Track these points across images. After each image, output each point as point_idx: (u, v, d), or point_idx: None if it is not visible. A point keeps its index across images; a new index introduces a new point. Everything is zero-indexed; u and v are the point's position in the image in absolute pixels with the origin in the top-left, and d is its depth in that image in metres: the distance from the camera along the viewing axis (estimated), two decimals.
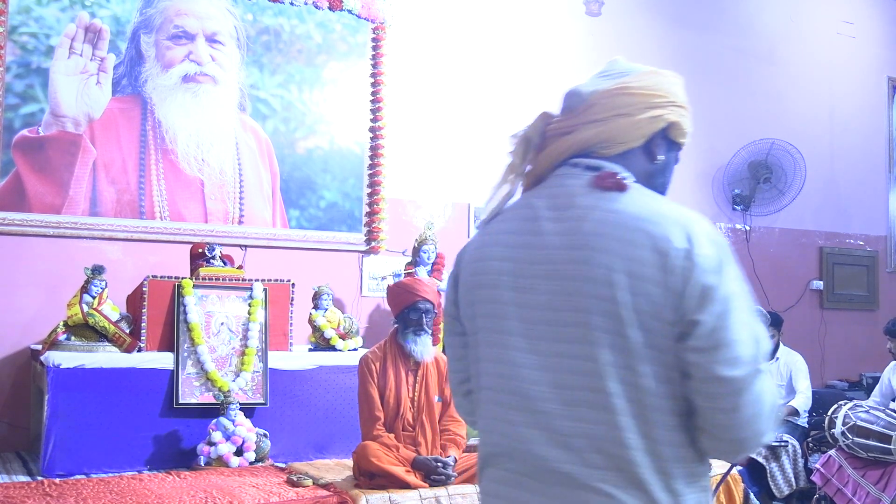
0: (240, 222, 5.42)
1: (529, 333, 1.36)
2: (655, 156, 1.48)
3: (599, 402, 1.30)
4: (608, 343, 1.30)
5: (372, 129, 5.82)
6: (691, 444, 1.33)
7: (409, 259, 5.42)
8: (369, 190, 5.80)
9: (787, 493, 5.30)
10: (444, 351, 1.67)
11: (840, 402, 5.26)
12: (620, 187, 1.37)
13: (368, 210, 5.78)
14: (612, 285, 1.29)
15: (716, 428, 1.31)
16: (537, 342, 1.35)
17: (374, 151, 5.81)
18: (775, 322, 5.99)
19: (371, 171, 5.80)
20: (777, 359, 5.93)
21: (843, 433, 4.99)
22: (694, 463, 1.33)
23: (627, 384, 1.29)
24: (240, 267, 4.94)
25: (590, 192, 1.37)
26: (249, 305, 4.61)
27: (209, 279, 4.61)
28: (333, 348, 4.88)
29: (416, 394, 3.95)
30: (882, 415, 4.96)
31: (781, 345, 6.00)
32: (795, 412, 5.71)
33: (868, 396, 5.98)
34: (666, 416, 1.31)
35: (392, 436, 3.89)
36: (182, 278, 4.54)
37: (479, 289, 1.44)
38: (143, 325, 4.42)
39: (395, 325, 4.09)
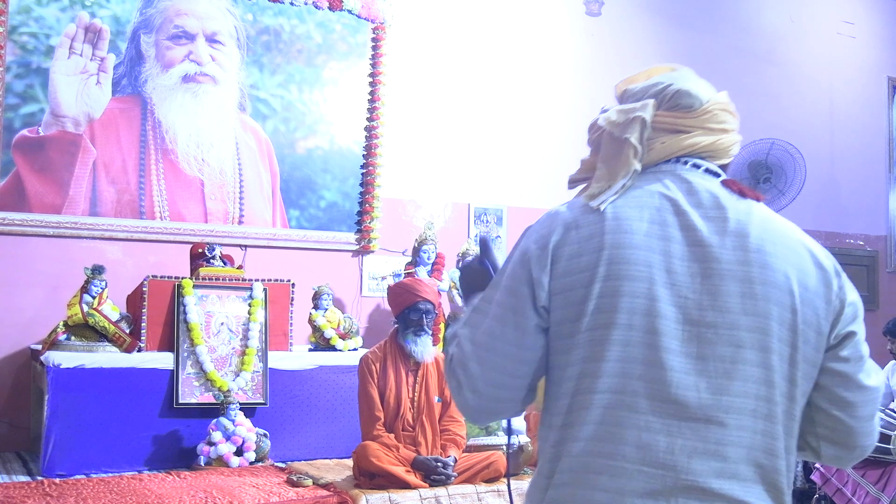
0: (240, 222, 5.42)
1: (683, 335, 1.27)
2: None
3: (763, 410, 1.27)
4: (779, 351, 1.28)
5: (368, 129, 5.82)
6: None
7: (409, 259, 5.42)
8: (363, 189, 5.79)
9: None
10: (470, 346, 1.38)
11: None
12: (759, 197, 1.39)
13: (360, 209, 5.76)
14: (792, 293, 1.29)
15: (847, 436, 1.36)
16: (692, 345, 1.27)
17: (370, 151, 5.81)
18: None
19: (365, 171, 5.80)
20: None
21: None
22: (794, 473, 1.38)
23: (786, 395, 1.29)
24: (240, 267, 4.94)
25: (732, 196, 1.36)
26: (249, 305, 4.62)
27: (209, 279, 4.61)
28: (333, 348, 4.88)
29: (416, 394, 3.95)
30: (881, 415, 4.97)
31: None
32: None
33: None
34: (797, 426, 1.33)
35: (392, 436, 3.89)
36: (182, 278, 4.54)
37: (622, 280, 1.27)
38: (143, 325, 4.43)
39: (396, 326, 4.09)
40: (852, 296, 1.36)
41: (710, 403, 1.25)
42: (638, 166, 1.38)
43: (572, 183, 1.48)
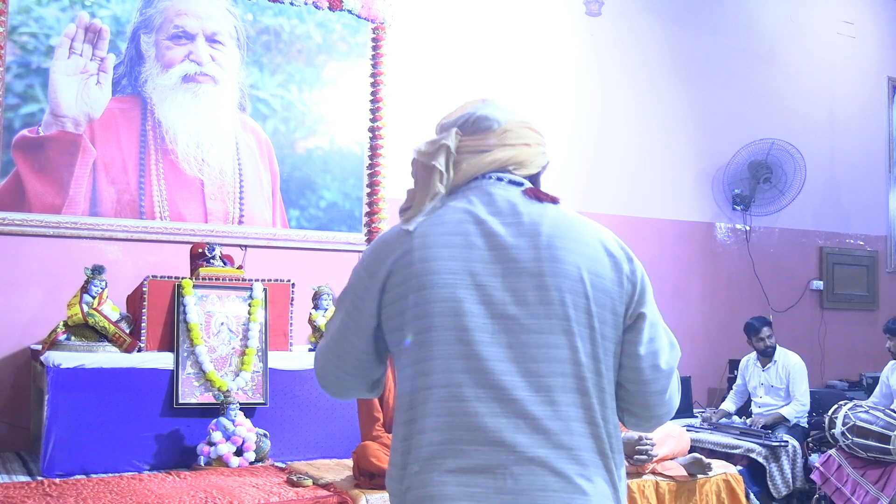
0: (240, 222, 5.42)
1: (492, 328, 1.46)
2: (540, 185, 1.68)
3: (573, 385, 1.46)
4: (579, 333, 1.48)
5: (371, 129, 5.83)
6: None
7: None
8: (369, 190, 5.80)
9: (785, 493, 5.31)
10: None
11: (840, 403, 5.26)
12: (555, 200, 1.60)
13: (368, 210, 5.78)
14: (583, 281, 1.49)
15: (643, 408, 1.58)
16: (501, 335, 1.46)
17: (374, 151, 5.81)
18: (768, 323, 5.99)
19: (371, 171, 5.80)
20: (775, 361, 5.93)
21: (842, 433, 5.00)
22: (621, 440, 1.55)
23: (592, 370, 1.48)
24: (240, 267, 4.94)
25: (529, 202, 1.56)
26: (249, 305, 4.62)
27: (209, 279, 4.61)
28: None
29: None
30: (881, 415, 4.96)
31: (778, 346, 5.99)
32: (784, 419, 5.68)
33: (868, 396, 5.99)
34: (612, 399, 1.52)
35: (392, 436, 3.89)
36: (182, 278, 4.54)
37: (431, 289, 1.48)
38: (143, 325, 4.42)
39: None
40: (644, 279, 1.57)
41: (525, 384, 1.44)
42: (442, 189, 1.57)
43: (401, 213, 1.64)
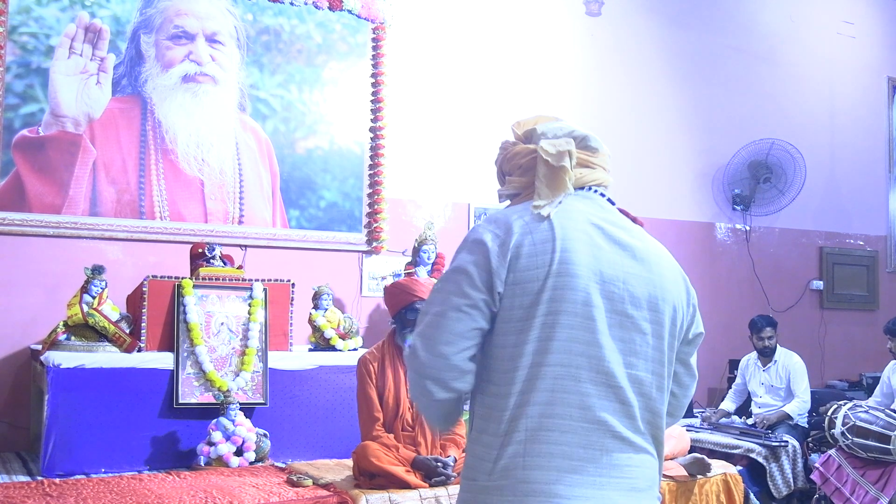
0: (240, 222, 5.42)
1: (610, 321, 1.66)
2: None
3: (656, 383, 1.71)
4: (668, 341, 1.74)
5: (372, 129, 5.83)
6: None
7: (409, 259, 5.42)
8: (370, 190, 5.80)
9: (785, 493, 5.30)
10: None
11: (840, 402, 5.26)
12: (641, 224, 1.86)
13: (369, 210, 5.78)
14: (676, 297, 1.76)
15: (676, 409, 1.87)
16: (616, 329, 1.67)
17: (375, 151, 5.81)
18: (772, 324, 5.99)
19: (372, 171, 5.81)
20: (775, 361, 5.93)
21: (842, 433, 5.00)
22: None
23: (667, 374, 1.74)
24: (240, 267, 4.95)
25: (627, 221, 1.81)
26: (249, 305, 4.62)
27: (209, 279, 4.61)
28: (333, 348, 4.88)
29: None
30: (881, 415, 4.96)
31: (779, 346, 5.99)
32: (788, 417, 5.69)
33: (868, 396, 5.99)
34: (668, 396, 1.78)
35: (391, 436, 3.89)
36: (182, 278, 4.54)
37: (570, 277, 1.65)
38: (143, 325, 4.42)
39: (393, 326, 4.09)
40: (697, 303, 1.86)
41: (625, 374, 1.66)
42: (572, 189, 1.79)
43: (502, 197, 1.89)
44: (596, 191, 1.83)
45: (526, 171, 1.83)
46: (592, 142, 1.85)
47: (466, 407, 1.79)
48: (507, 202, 1.88)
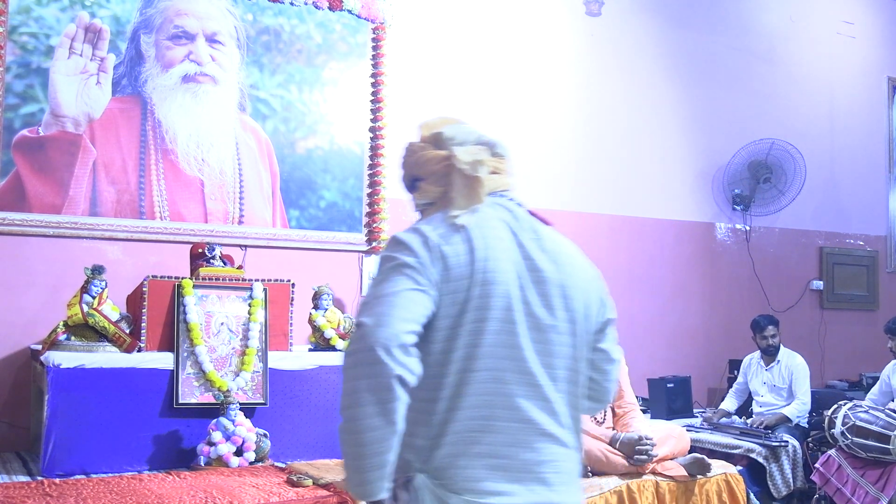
0: (240, 222, 5.42)
1: (528, 324, 1.75)
2: None
3: (574, 378, 1.81)
4: (580, 335, 1.82)
5: (372, 129, 5.83)
6: None
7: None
8: (370, 190, 5.80)
9: (785, 493, 5.30)
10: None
11: (840, 402, 5.26)
12: (550, 224, 1.90)
13: (369, 210, 5.78)
14: (587, 294, 1.84)
15: (601, 393, 1.93)
16: (534, 332, 1.75)
17: (375, 151, 5.81)
18: (774, 322, 5.99)
19: (371, 171, 5.80)
20: (778, 361, 5.93)
21: (842, 433, 5.00)
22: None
23: (580, 369, 1.84)
24: (240, 267, 4.94)
25: (538, 223, 1.87)
26: (249, 305, 4.62)
27: (209, 279, 4.61)
28: (333, 348, 4.88)
29: None
30: (881, 415, 4.96)
31: (782, 347, 5.99)
32: (786, 419, 5.69)
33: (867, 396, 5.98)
34: (585, 388, 1.88)
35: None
36: (182, 278, 4.54)
37: (493, 285, 1.73)
38: (143, 325, 4.42)
39: None
40: (607, 291, 1.93)
41: (545, 374, 1.75)
42: (485, 198, 1.84)
43: (417, 207, 1.93)
44: (503, 195, 1.89)
45: (440, 179, 1.87)
46: (500, 148, 1.93)
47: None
48: (419, 212, 1.93)
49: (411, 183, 1.94)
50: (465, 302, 1.71)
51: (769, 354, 5.93)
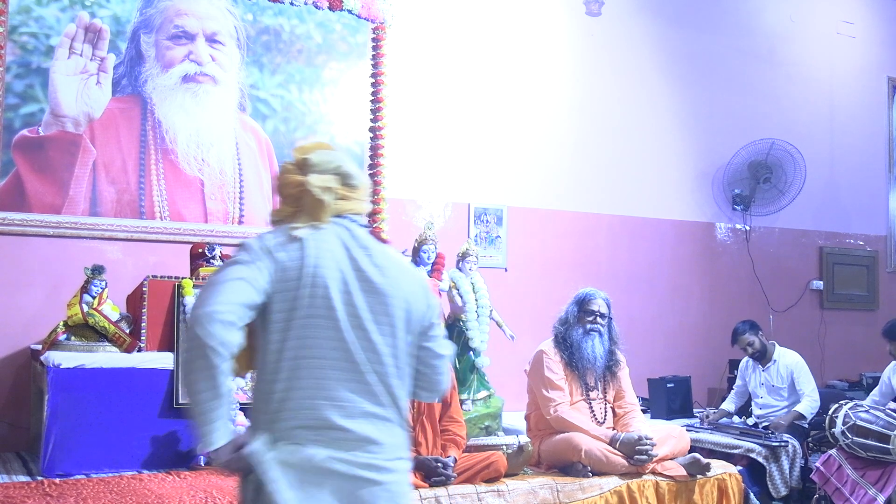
0: (240, 222, 5.42)
1: (351, 322, 2.12)
2: None
3: (393, 367, 2.17)
4: (399, 334, 2.19)
5: (372, 129, 5.83)
6: None
7: (409, 259, 5.42)
8: (370, 190, 5.79)
9: (785, 493, 5.30)
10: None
11: (840, 402, 5.26)
12: (388, 242, 2.33)
13: (369, 210, 5.77)
14: (408, 301, 2.21)
15: (432, 384, 2.31)
16: (357, 330, 2.12)
17: (375, 151, 5.81)
18: (753, 327, 5.98)
19: (371, 171, 5.80)
20: (774, 361, 5.92)
21: (842, 433, 4.99)
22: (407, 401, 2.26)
23: (403, 360, 2.20)
24: None
25: (373, 240, 2.24)
26: None
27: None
28: None
29: None
30: (882, 415, 4.96)
31: (777, 346, 5.98)
32: (802, 417, 5.69)
33: (867, 396, 5.98)
34: (408, 378, 2.25)
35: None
36: (182, 278, 4.54)
37: (320, 287, 2.11)
38: (143, 325, 4.42)
39: None
40: (434, 300, 2.32)
41: (366, 361, 2.12)
42: (329, 218, 2.22)
43: (274, 223, 2.25)
44: (347, 217, 2.25)
45: (293, 201, 2.23)
46: (354, 180, 2.31)
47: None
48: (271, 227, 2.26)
49: (275, 198, 2.31)
50: (296, 300, 2.09)
51: (756, 359, 5.94)
